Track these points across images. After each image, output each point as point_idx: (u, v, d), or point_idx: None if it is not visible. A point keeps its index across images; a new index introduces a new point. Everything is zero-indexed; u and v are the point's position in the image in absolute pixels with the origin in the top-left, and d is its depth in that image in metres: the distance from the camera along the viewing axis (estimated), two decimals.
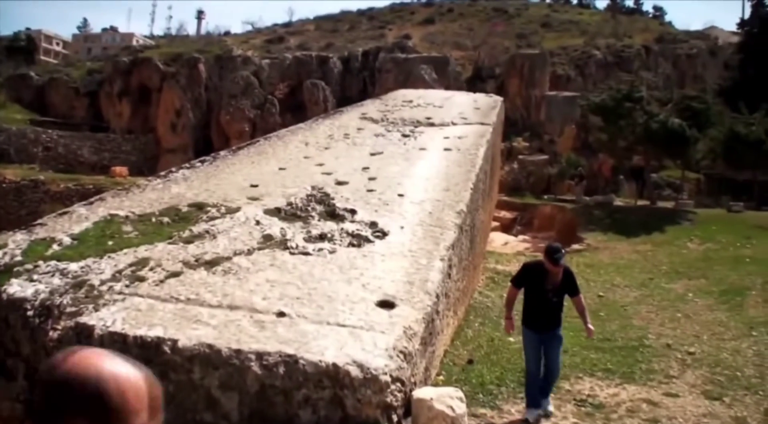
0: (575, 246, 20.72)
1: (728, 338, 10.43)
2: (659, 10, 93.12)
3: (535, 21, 63.26)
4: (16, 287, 5.60)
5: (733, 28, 67.16)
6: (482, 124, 14.23)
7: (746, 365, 8.98)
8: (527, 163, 34.56)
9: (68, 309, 5.31)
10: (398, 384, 4.94)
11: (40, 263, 6.08)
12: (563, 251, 7.51)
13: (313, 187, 8.92)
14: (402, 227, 7.75)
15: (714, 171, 34.67)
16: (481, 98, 18.52)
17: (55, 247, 6.54)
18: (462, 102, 17.10)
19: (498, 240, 21.64)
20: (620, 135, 28.64)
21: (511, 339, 9.60)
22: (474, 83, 42.52)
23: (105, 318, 5.15)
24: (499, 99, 18.84)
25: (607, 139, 29.87)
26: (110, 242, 6.70)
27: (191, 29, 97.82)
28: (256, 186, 8.97)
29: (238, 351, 4.81)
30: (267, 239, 7.08)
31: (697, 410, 7.25)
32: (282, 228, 7.41)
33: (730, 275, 15.20)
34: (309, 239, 7.17)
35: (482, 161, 11.60)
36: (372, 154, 11.26)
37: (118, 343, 4.94)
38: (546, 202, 28.67)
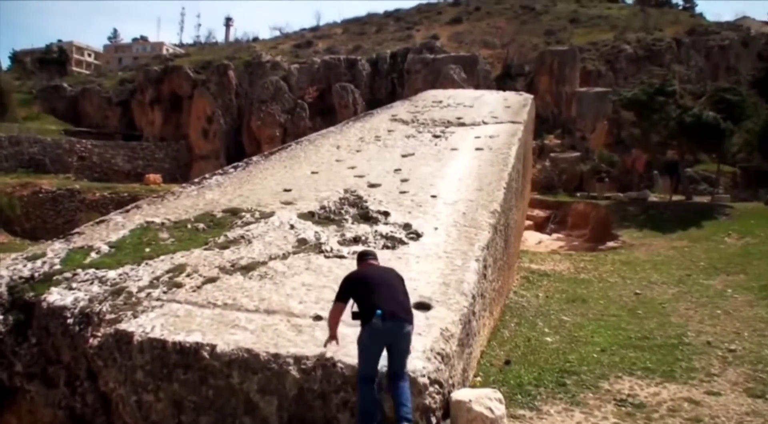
0: (610, 243, 20.49)
1: None
2: (689, 2, 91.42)
3: (564, 17, 62.82)
4: (56, 296, 5.69)
5: (766, 18, 65.99)
6: (513, 122, 14.14)
7: None
8: (559, 161, 34.31)
9: (107, 316, 5.37)
10: (436, 386, 4.92)
11: (79, 271, 6.17)
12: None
13: (345, 191, 8.94)
14: (436, 228, 7.72)
15: (750, 164, 34.04)
16: (511, 96, 18.41)
17: (93, 255, 6.63)
18: (492, 101, 17.02)
19: (531, 239, 21.51)
20: (653, 130, 28.31)
21: (549, 339, 9.51)
22: (503, 81, 42.41)
23: (144, 324, 5.21)
24: (529, 97, 18.72)
25: (640, 134, 29.53)
26: (147, 249, 6.78)
27: (220, 36, 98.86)
28: (289, 190, 9.02)
29: (276, 355, 4.82)
30: (302, 242, 7.11)
31: (740, 409, 7.09)
32: (316, 232, 7.43)
33: None
34: (343, 242, 7.18)
35: (514, 160, 11.51)
36: (403, 156, 11.24)
37: (157, 349, 4.99)
38: (579, 200, 28.40)
